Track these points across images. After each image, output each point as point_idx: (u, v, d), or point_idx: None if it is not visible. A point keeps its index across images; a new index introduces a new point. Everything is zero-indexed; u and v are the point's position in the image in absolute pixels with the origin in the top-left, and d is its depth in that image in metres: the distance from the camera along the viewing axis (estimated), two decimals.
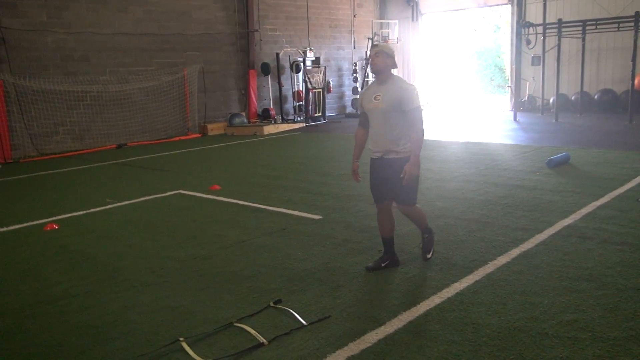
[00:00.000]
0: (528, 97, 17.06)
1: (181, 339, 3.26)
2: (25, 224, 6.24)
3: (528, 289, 3.78)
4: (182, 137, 14.65)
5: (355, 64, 19.53)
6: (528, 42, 15.41)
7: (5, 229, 6.10)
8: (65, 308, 3.89)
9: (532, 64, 15.75)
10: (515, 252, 4.52)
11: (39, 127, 12.49)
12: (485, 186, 6.94)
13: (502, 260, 4.36)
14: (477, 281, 3.97)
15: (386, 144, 4.13)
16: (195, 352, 3.10)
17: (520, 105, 16.70)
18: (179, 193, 7.52)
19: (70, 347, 3.30)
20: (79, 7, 13.03)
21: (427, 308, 3.57)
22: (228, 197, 7.05)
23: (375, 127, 4.21)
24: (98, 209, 6.86)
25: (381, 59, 4.11)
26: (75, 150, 12.80)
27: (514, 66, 17.11)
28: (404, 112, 4.03)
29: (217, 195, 7.18)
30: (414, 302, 3.66)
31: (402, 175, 4.01)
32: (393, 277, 4.15)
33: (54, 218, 6.41)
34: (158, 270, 4.55)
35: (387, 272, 4.23)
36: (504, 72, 25.75)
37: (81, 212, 6.70)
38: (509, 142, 10.89)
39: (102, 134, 13.47)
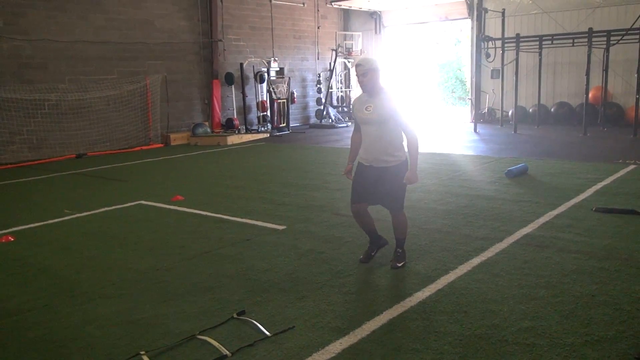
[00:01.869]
0: (488, 109, 17.48)
1: (142, 352, 3.20)
2: None
3: (488, 297, 3.86)
4: (144, 147, 14.41)
5: (319, 74, 19.65)
6: (487, 55, 15.81)
7: None
8: (19, 323, 3.76)
9: (492, 77, 16.15)
10: (476, 261, 4.60)
11: None
12: (446, 196, 7.07)
13: (463, 269, 4.44)
14: (439, 290, 4.03)
15: (377, 153, 4.28)
16: None
17: (481, 117, 17.09)
18: (140, 204, 7.38)
19: None
20: (37, 14, 12.73)
21: (391, 317, 3.60)
22: (191, 208, 6.96)
23: (366, 136, 4.33)
24: (56, 220, 6.67)
25: (369, 78, 4.20)
26: (33, 160, 12.43)
27: (474, 79, 17.50)
28: (396, 124, 4.21)
29: (180, 206, 7.09)
30: (378, 311, 3.69)
31: (404, 181, 4.26)
32: (356, 286, 4.17)
33: (9, 230, 6.21)
34: (118, 283, 4.45)
35: (349, 282, 4.25)
36: (465, 84, 26.33)
37: (38, 224, 6.50)
38: (470, 152, 11.13)
39: (60, 143, 13.12)
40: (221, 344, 3.27)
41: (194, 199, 7.44)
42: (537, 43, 14.65)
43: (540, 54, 14.90)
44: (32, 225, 6.47)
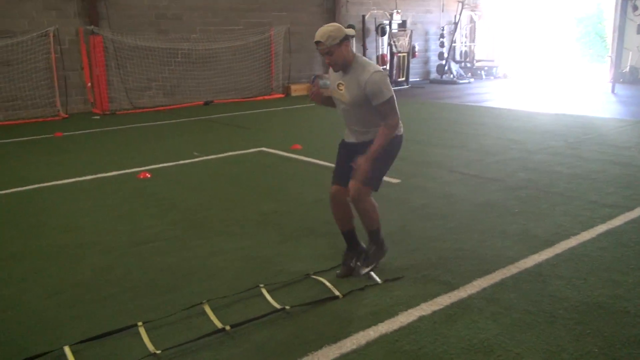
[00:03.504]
0: (630, 68, 15.89)
1: (261, 285, 3.45)
2: (121, 171, 6.70)
3: (612, 266, 3.66)
4: (266, 97, 14.94)
5: (443, 28, 18.91)
6: (635, 7, 14.25)
7: (104, 174, 6.59)
8: (156, 250, 4.20)
9: (638, 32, 14.58)
10: (601, 228, 4.34)
11: (133, 82, 13.17)
12: (574, 160, 6.65)
13: (586, 235, 4.22)
14: (557, 254, 3.88)
15: (356, 134, 3.57)
16: (273, 299, 3.28)
17: (621, 76, 15.59)
18: (262, 150, 7.75)
19: (162, 284, 3.58)
20: None
21: (503, 277, 3.55)
22: (308, 157, 7.19)
23: (342, 116, 3.62)
24: (186, 161, 7.23)
25: (336, 55, 3.30)
26: (166, 105, 13.41)
27: (616, 34, 15.91)
28: (373, 106, 3.37)
29: (298, 155, 7.34)
30: (489, 270, 3.64)
31: (353, 166, 3.41)
32: (469, 244, 4.13)
33: (147, 167, 6.83)
34: (241, 221, 4.78)
35: (462, 239, 4.21)
36: (605, 40, 24.02)
37: (171, 163, 7.09)
38: (605, 115, 10.28)
39: (190, 90, 14.00)
40: (333, 286, 3.43)
41: (312, 149, 7.66)
42: None
43: None
44: (165, 164, 7.06)
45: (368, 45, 16.89)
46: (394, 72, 16.52)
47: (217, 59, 14.26)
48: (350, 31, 3.36)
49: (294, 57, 15.90)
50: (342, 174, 3.59)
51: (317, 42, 3.30)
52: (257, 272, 3.71)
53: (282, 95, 15.34)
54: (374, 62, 3.21)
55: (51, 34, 12.01)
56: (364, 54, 16.75)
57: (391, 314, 3.08)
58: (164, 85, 13.72)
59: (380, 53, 16.93)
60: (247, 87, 14.96)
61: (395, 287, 3.45)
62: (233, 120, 11.00)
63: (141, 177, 6.40)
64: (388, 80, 3.34)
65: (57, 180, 6.34)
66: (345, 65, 3.36)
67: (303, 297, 3.33)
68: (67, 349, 2.79)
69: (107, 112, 12.35)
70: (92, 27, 12.34)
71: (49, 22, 12.04)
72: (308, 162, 6.96)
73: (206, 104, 13.81)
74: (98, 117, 11.96)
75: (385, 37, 16.77)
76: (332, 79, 3.55)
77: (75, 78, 12.63)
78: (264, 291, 3.37)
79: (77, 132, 9.92)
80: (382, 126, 3.38)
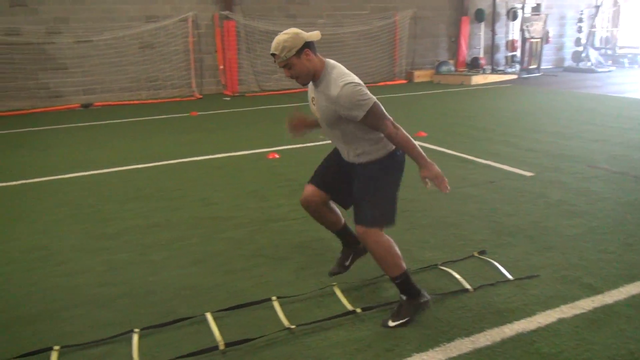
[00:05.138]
0: None
1: None
2: (251, 151, 7.02)
3: None
4: (388, 82, 14.84)
5: (582, 12, 17.55)
6: None
7: (235, 153, 6.94)
8: (287, 228, 4.35)
9: None
10: None
11: (262, 65, 13.68)
12: None
13: None
14: None
15: (343, 151, 3.02)
16: None
17: None
18: None
19: (293, 262, 3.71)
20: None
21: None
22: (433, 145, 7.05)
23: (324, 133, 3.07)
24: (313, 144, 7.38)
25: (296, 68, 2.75)
26: (291, 89, 13.79)
27: None
28: (352, 124, 2.81)
29: (423, 142, 7.22)
30: (638, 276, 3.35)
31: (427, 187, 2.97)
32: (615, 245, 3.82)
33: (275, 148, 7.09)
34: None
35: (606, 240, 3.90)
36: None
37: (298, 146, 7.28)
38: None
39: None
40: (463, 278, 3.35)
41: (436, 137, 7.50)
42: None
43: None
44: (293, 146, 7.26)
45: (497, 30, 16.12)
46: (525, 58, 15.64)
47: (341, 44, 14.38)
48: (313, 35, 2.77)
49: (418, 42, 15.62)
50: (324, 175, 3.19)
51: (273, 55, 2.75)
52: None
53: (405, 81, 15.16)
54: (349, 72, 2.80)
55: (190, 19, 12.81)
56: (492, 40, 15.99)
57: (527, 313, 2.94)
58: None
59: (511, 38, 16.12)
60: (370, 72, 14.95)
61: (531, 285, 3.28)
62: None
63: (270, 157, 6.65)
64: (362, 90, 2.70)
65: (194, 156, 6.79)
66: (312, 77, 2.80)
67: (431, 287, 3.28)
68: (209, 315, 2.99)
69: (237, 94, 12.97)
70: (227, 12, 12.97)
71: (189, 7, 12.84)
72: (434, 150, 6.82)
73: None
74: (229, 98, 12.60)
75: (517, 22, 15.91)
76: (309, 91, 2.98)
77: (209, 61, 13.38)
78: None
79: (210, 112, 10.53)
80: (392, 140, 2.83)
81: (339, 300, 3.12)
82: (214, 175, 6.00)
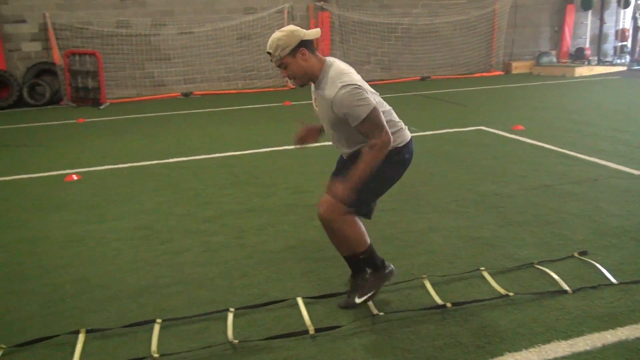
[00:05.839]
0: None
1: (482, 268, 3.36)
2: None
3: None
4: (484, 74, 14.36)
5: None
6: None
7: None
8: (376, 219, 4.25)
9: None
10: None
11: (354, 56, 13.70)
12: None
13: None
14: None
15: (346, 152, 2.95)
16: (496, 283, 3.18)
17: None
18: (480, 129, 7.49)
19: (381, 253, 3.66)
20: None
21: None
22: (532, 139, 6.75)
23: (329, 135, 2.99)
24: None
25: (291, 67, 2.65)
26: (383, 80, 13.71)
27: None
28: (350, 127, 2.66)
29: (520, 136, 6.93)
30: None
31: (331, 192, 2.72)
32: None
33: None
34: (459, 201, 4.70)
35: None
36: None
37: None
38: None
39: (408, 65, 14.09)
40: (561, 279, 3.20)
41: (535, 131, 7.17)
42: None
43: None
44: None
45: (606, 18, 15.08)
46: (637, 49, 14.53)
47: (436, 34, 14.09)
48: (311, 33, 2.64)
49: (517, 32, 14.97)
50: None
51: (268, 53, 2.65)
52: (477, 254, 3.62)
53: (502, 73, 14.61)
54: (350, 71, 2.66)
55: (286, 11, 13.07)
56: (600, 29, 14.98)
57: (633, 320, 2.76)
58: (382, 59, 14.02)
59: (621, 27, 15.01)
60: (465, 63, 14.54)
61: (637, 291, 3.07)
62: (450, 96, 10.81)
63: None
64: (360, 93, 2.55)
65: (287, 145, 6.95)
66: (310, 77, 2.69)
67: (527, 286, 3.17)
68: (299, 300, 3.07)
69: None
70: (322, 3, 13.10)
71: None
72: (531, 145, 6.53)
73: (423, 79, 13.78)
74: None
75: (629, 9, 14.78)
76: (312, 93, 2.88)
77: None
78: (486, 274, 3.28)
79: (302, 102, 10.71)
80: (365, 148, 2.66)
81: (428, 294, 3.09)
82: (305, 164, 6.12)
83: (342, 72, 2.62)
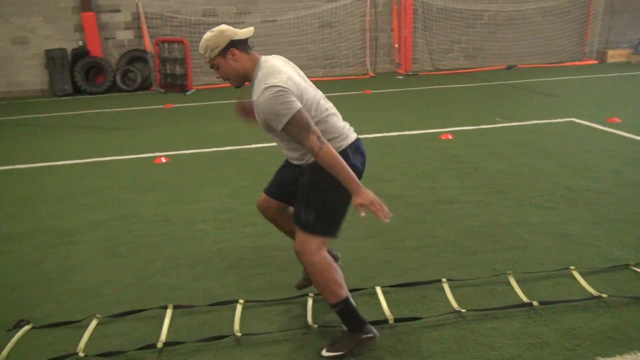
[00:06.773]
0: None
1: (572, 267, 3.20)
2: (423, 131, 6.96)
3: None
4: (576, 63, 13.60)
5: None
6: None
7: (407, 132, 6.94)
8: (458, 211, 4.25)
9: None
10: None
11: (437, 44, 13.39)
12: None
13: None
14: None
15: (288, 155, 2.74)
16: (587, 284, 3.01)
17: None
18: (572, 121, 7.11)
19: (464, 246, 3.62)
20: None
21: None
22: (629, 132, 6.32)
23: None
24: (487, 126, 7.09)
25: (223, 68, 2.49)
26: (466, 68, 13.31)
27: None
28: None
29: (616, 129, 6.51)
30: None
31: (361, 216, 2.48)
32: None
33: (449, 129, 6.92)
34: (547, 195, 4.49)
35: None
36: None
37: (471, 127, 7.04)
38: None
39: (493, 53, 13.59)
40: None
41: (633, 123, 6.71)
42: None
43: None
44: (465, 127, 7.05)
45: None
46: None
47: (524, 21, 13.48)
48: (242, 33, 2.49)
49: (615, 18, 14.02)
50: (277, 183, 2.94)
51: (201, 53, 2.51)
52: (567, 252, 3.45)
53: (596, 62, 13.76)
54: (281, 70, 2.38)
55: None
56: None
57: None
58: (466, 47, 13.61)
59: None
60: (556, 51, 13.83)
61: None
62: (538, 86, 10.32)
63: (443, 137, 6.52)
64: (283, 95, 2.31)
65: (367, 134, 6.92)
66: (243, 78, 2.52)
67: (621, 288, 2.98)
68: (378, 289, 3.06)
69: (410, 73, 12.87)
70: None
71: None
72: (628, 139, 6.12)
73: (509, 68, 13.25)
74: (401, 77, 12.57)
75: None
76: None
77: (384, 39, 13.44)
78: (576, 274, 3.12)
79: (383, 91, 10.62)
80: (336, 137, 2.55)
81: (513, 290, 2.98)
82: (386, 153, 6.06)
83: (270, 72, 2.41)
